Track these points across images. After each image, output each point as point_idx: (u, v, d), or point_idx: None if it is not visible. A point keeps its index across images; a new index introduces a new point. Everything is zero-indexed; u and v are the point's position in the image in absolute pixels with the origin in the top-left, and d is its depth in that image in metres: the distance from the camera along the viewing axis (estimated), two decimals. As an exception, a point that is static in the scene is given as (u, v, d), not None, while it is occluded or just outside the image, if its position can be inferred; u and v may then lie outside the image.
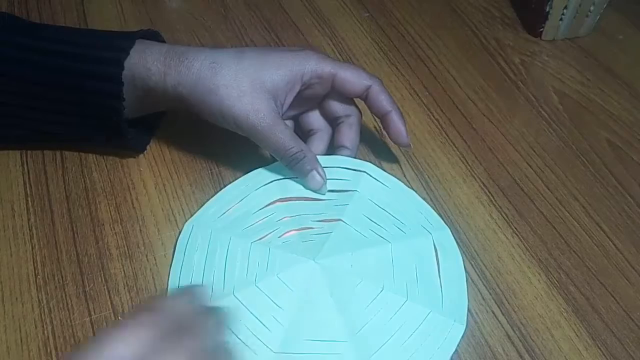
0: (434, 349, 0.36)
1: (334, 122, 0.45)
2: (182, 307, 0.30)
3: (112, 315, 0.38)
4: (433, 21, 0.60)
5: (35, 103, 0.42)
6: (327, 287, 0.38)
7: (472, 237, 0.42)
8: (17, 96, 0.42)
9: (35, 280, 0.40)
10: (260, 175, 0.44)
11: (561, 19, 0.56)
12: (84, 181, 0.45)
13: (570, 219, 0.44)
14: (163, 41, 0.45)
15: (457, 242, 0.41)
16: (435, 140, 0.49)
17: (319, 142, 0.45)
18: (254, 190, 0.43)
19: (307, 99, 0.44)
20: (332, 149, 0.45)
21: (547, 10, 0.55)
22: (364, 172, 0.43)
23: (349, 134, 0.44)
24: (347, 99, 0.44)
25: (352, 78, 0.42)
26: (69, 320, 0.38)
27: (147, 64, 0.40)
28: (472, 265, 0.41)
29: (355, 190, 0.43)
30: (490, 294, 0.40)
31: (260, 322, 0.36)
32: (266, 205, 0.42)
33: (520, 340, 0.37)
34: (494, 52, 0.57)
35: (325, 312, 0.37)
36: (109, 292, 0.39)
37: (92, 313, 0.38)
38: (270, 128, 0.40)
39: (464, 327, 0.37)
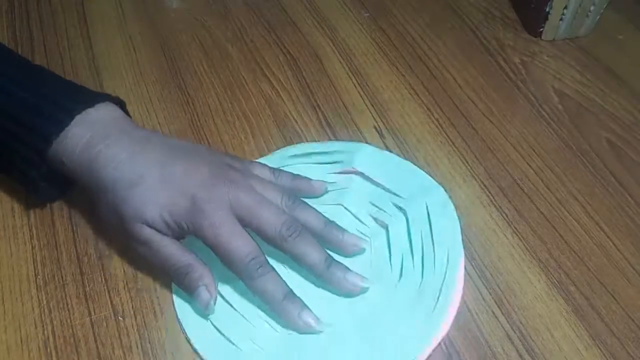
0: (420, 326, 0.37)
1: None
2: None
3: (112, 315, 0.38)
4: (433, 21, 0.60)
5: None
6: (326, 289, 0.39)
7: (472, 237, 0.42)
8: None
9: (35, 280, 0.40)
10: (265, 161, 0.45)
11: (561, 19, 0.56)
12: (84, 181, 0.45)
13: (570, 219, 0.44)
14: (125, 109, 0.43)
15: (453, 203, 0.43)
16: (435, 140, 0.49)
17: None
18: None
19: None
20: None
21: (547, 10, 0.55)
22: (358, 150, 0.46)
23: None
24: None
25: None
26: (69, 320, 0.38)
27: (67, 148, 0.38)
28: (472, 265, 0.41)
29: (352, 172, 0.45)
30: (490, 294, 0.40)
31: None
32: None
33: (520, 340, 0.37)
34: (494, 52, 0.57)
35: (326, 297, 0.39)
36: (109, 292, 0.39)
37: (92, 313, 0.38)
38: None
39: (440, 323, 0.37)
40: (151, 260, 0.38)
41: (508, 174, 0.46)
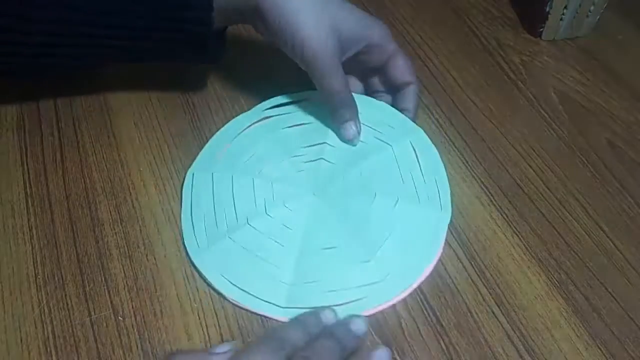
0: (427, 238, 0.41)
1: (393, 88, 0.48)
2: (297, 336, 0.33)
3: (112, 315, 0.38)
4: (433, 21, 0.60)
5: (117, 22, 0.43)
6: (328, 209, 0.42)
7: (472, 237, 0.42)
8: (98, 17, 0.43)
9: (35, 280, 0.40)
10: (244, 117, 0.48)
11: (561, 19, 0.56)
12: (84, 181, 0.45)
13: (570, 219, 0.44)
14: None
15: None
16: (435, 140, 0.48)
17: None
18: (243, 130, 0.47)
19: (357, 63, 0.46)
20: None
21: (547, 10, 0.55)
22: None
23: (411, 99, 0.47)
24: (409, 69, 0.47)
25: (402, 69, 0.46)
26: (69, 320, 0.38)
27: None
28: (472, 265, 0.41)
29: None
30: (490, 294, 0.40)
31: (276, 242, 0.41)
32: (256, 139, 0.46)
33: (520, 340, 0.37)
34: (494, 52, 0.57)
35: (331, 224, 0.41)
36: (109, 292, 0.39)
37: (92, 313, 0.38)
38: (332, 66, 0.42)
39: (450, 214, 0.42)
40: (316, 79, 0.43)
41: (508, 174, 0.46)
